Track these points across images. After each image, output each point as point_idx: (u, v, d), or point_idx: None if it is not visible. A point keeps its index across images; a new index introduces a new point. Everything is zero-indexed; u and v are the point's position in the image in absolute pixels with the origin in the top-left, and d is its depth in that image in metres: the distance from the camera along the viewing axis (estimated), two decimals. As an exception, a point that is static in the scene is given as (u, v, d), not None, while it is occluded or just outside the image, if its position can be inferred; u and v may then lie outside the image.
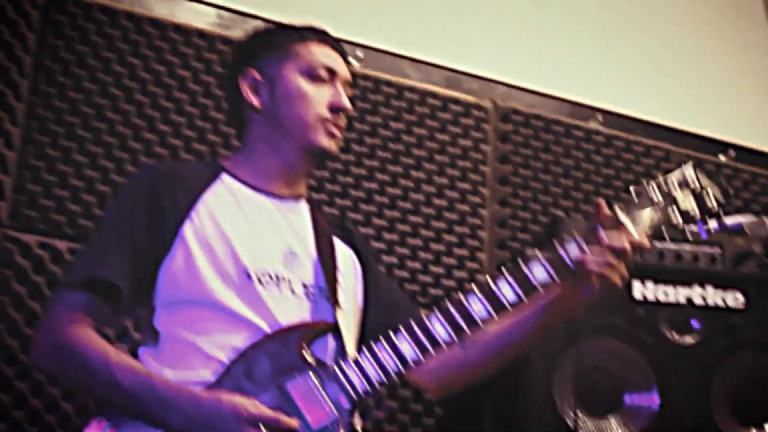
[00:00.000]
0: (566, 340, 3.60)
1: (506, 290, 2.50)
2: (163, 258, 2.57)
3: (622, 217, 2.49)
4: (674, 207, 2.54)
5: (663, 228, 2.53)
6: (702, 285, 3.76)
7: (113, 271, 2.50)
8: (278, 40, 2.82)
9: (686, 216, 2.54)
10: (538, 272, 2.50)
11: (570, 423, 3.55)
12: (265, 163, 2.76)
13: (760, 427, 3.68)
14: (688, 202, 2.56)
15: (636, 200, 2.55)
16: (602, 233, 2.45)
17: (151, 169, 2.73)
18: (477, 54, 4.73)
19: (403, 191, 4.43)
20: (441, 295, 4.30)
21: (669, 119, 4.99)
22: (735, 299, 3.76)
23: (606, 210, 2.48)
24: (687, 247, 3.85)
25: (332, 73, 2.76)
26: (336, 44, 2.82)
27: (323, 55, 2.78)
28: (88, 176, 3.86)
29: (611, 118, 4.93)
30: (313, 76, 2.74)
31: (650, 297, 3.73)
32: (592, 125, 4.84)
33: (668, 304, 3.73)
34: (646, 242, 2.46)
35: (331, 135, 2.73)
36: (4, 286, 3.64)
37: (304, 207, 2.79)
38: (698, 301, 3.74)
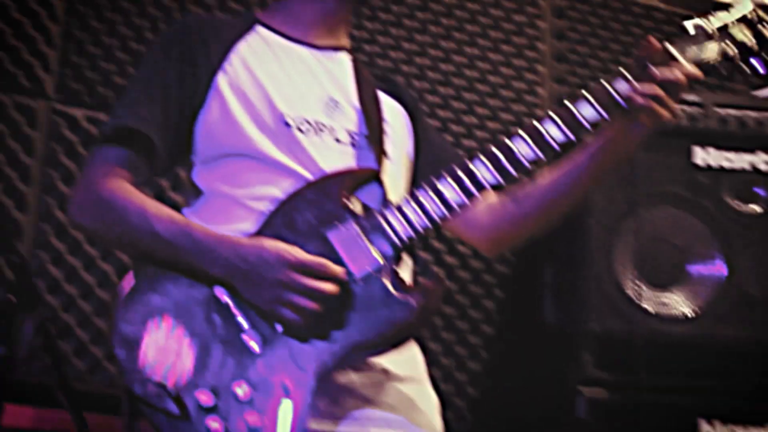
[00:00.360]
0: (626, 209, 3.61)
1: (553, 130, 2.45)
2: (198, 111, 2.58)
3: (673, 50, 2.45)
4: (730, 40, 2.49)
5: (718, 61, 2.49)
6: (767, 151, 3.72)
7: (145, 122, 2.53)
8: None
9: (743, 48, 2.49)
10: (586, 110, 2.45)
11: (632, 295, 3.55)
12: (302, 11, 2.74)
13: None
14: (744, 35, 2.50)
15: (690, 33, 2.52)
16: (652, 67, 2.42)
17: (182, 21, 2.74)
18: None
19: (457, 44, 4.45)
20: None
21: None
22: (803, 165, 3.55)
23: (656, 44, 2.45)
24: (750, 112, 3.79)
25: None
26: None
27: None
28: (134, 49, 3.94)
29: None
30: None
31: (712, 163, 3.71)
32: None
33: (731, 171, 3.71)
34: (698, 72, 2.42)
35: None
36: (52, 160, 3.78)
37: (345, 57, 2.76)
38: (763, 167, 3.72)
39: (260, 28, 2.68)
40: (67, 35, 3.87)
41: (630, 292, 3.55)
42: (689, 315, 3.60)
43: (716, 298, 3.59)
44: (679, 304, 3.62)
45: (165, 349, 2.35)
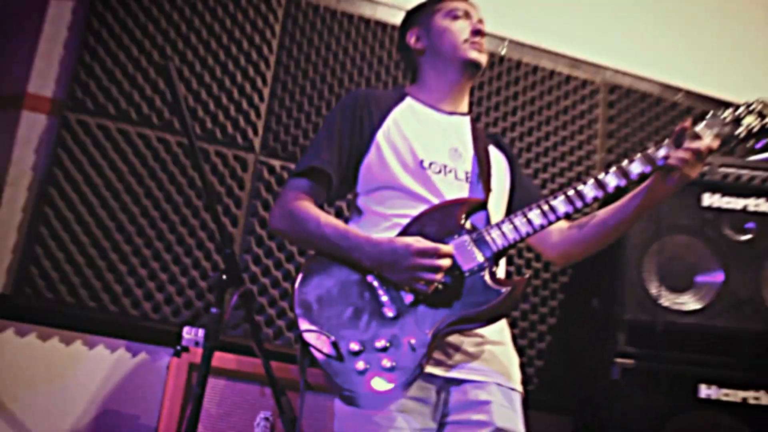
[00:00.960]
0: (653, 235, 3.74)
1: (610, 179, 2.60)
2: (363, 156, 2.74)
3: (698, 129, 2.60)
4: (739, 126, 2.62)
5: (729, 140, 2.63)
6: (757, 197, 3.81)
7: (325, 162, 2.69)
8: (427, 5, 2.98)
9: (750, 132, 2.64)
10: (635, 167, 2.60)
11: (654, 295, 3.69)
12: (435, 86, 2.89)
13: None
14: (751, 121, 2.63)
15: (710, 119, 2.64)
16: (685, 140, 2.57)
17: (354, 93, 2.87)
18: (593, 45, 4.79)
19: (536, 140, 4.57)
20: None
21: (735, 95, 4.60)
22: (781, 208, 3.84)
23: (689, 125, 2.60)
24: (744, 171, 3.90)
25: (467, 13, 2.89)
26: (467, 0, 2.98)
27: (458, 4, 2.91)
28: (315, 121, 4.16)
29: (690, 95, 4.84)
30: (454, 17, 2.87)
31: (715, 205, 3.80)
32: (676, 99, 4.80)
33: (729, 210, 3.80)
34: (714, 144, 2.57)
35: (477, 50, 2.84)
36: (257, 194, 4.00)
37: (465, 120, 2.90)
38: (752, 208, 3.80)
39: (408, 99, 2.86)
40: (270, 111, 4.09)
41: (653, 293, 3.69)
42: (695, 309, 3.71)
43: (715, 299, 3.71)
44: (688, 303, 3.72)
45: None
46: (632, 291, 3.70)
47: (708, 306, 3.71)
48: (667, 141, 2.62)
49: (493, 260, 2.55)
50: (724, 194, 3.82)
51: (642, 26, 5.01)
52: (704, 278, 3.76)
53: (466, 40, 2.85)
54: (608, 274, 3.92)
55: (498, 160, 2.93)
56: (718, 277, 3.74)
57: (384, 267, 2.49)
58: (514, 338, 2.80)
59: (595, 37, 4.83)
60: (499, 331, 2.71)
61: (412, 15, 3.02)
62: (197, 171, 2.81)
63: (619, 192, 2.63)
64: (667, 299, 3.71)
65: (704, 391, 3.61)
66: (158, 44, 4.01)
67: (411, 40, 2.96)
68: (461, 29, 2.86)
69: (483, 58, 2.87)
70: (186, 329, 3.39)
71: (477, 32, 2.87)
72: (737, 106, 2.67)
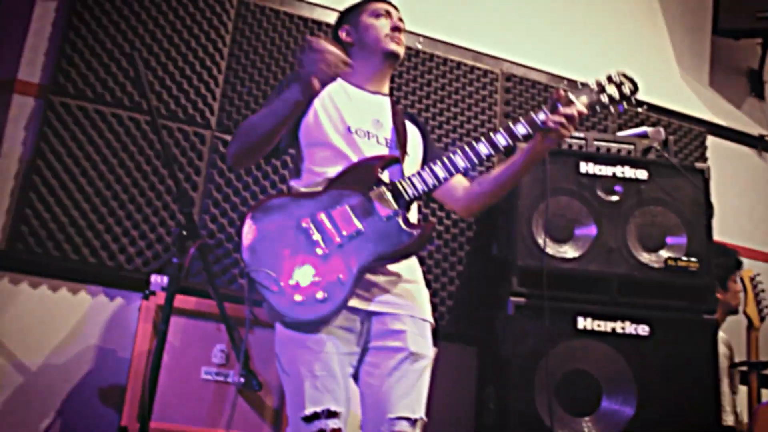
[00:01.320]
0: (539, 196, 3.73)
1: (499, 138, 2.63)
2: (303, 117, 2.72)
3: (572, 96, 2.62)
4: (604, 93, 2.67)
5: (596, 105, 2.66)
6: (623, 165, 3.83)
7: None
8: (356, 5, 2.97)
9: (611, 98, 2.68)
10: (519, 128, 2.62)
11: (541, 245, 3.67)
12: (362, 71, 2.86)
13: (656, 252, 3.76)
14: (613, 91, 2.68)
15: (580, 88, 2.68)
16: (559, 106, 2.59)
17: (297, 71, 2.77)
18: (494, 39, 4.80)
19: (446, 119, 4.54)
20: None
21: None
22: (642, 174, 3.83)
23: (562, 93, 2.61)
24: (614, 144, 3.95)
25: (388, 12, 2.89)
26: (388, 1, 2.95)
27: (381, 5, 2.90)
28: (261, 104, 4.04)
29: (572, 83, 4.75)
30: (377, 15, 2.87)
31: (590, 171, 3.82)
32: (560, 87, 4.76)
33: (601, 176, 3.82)
34: (583, 109, 2.60)
35: (396, 43, 2.84)
36: (213, 164, 3.91)
37: (386, 99, 2.90)
38: (620, 174, 3.82)
39: (339, 80, 2.82)
40: (224, 95, 4.02)
41: (540, 244, 3.68)
42: (574, 257, 3.72)
43: (590, 248, 3.72)
44: (568, 251, 3.72)
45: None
46: (524, 242, 3.69)
47: (584, 254, 3.71)
48: (545, 106, 2.63)
49: (406, 207, 2.56)
50: (597, 163, 3.82)
51: (536, 25, 5.02)
52: (581, 231, 3.76)
53: (387, 35, 2.84)
54: (505, 228, 3.92)
55: (413, 132, 2.92)
56: (592, 230, 3.74)
57: (301, 71, 2.47)
58: (429, 283, 2.81)
59: (496, 34, 4.83)
60: (413, 271, 2.71)
61: (343, 15, 3.01)
62: (162, 145, 2.76)
63: (509, 151, 2.63)
64: (552, 248, 3.70)
65: (581, 322, 3.62)
66: (128, 38, 3.93)
67: (342, 35, 2.93)
68: (383, 26, 2.85)
69: (401, 50, 2.86)
70: (153, 277, 3.34)
71: (396, 28, 2.86)
72: (599, 77, 2.70)
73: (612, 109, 2.71)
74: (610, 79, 2.70)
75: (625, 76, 2.72)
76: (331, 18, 4.34)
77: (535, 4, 5.08)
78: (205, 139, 3.95)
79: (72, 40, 3.83)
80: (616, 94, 2.68)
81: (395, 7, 2.95)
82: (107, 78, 3.85)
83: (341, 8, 3.02)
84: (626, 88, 2.70)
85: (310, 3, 4.35)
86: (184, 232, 2.66)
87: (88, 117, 3.78)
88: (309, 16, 4.33)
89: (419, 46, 4.56)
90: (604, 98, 2.68)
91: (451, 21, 4.74)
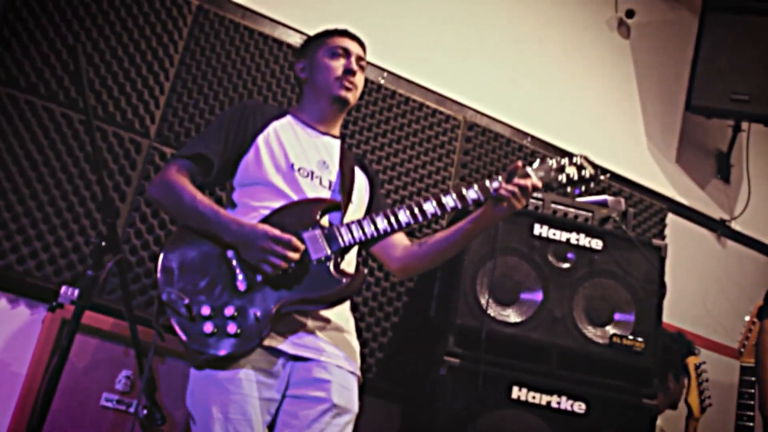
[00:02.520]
0: (488, 254, 3.74)
1: (448, 200, 2.68)
2: (243, 155, 2.77)
3: (529, 170, 2.72)
4: (562, 173, 2.76)
5: (552, 183, 2.76)
6: (578, 232, 3.86)
7: (211, 151, 2.72)
8: (316, 39, 3.03)
9: (569, 180, 2.77)
10: (471, 193, 2.70)
11: (483, 306, 3.67)
12: (311, 111, 2.94)
13: (603, 327, 3.79)
14: (572, 172, 2.77)
15: (539, 163, 2.77)
16: (515, 177, 2.67)
17: (245, 102, 2.99)
18: (459, 85, 4.86)
19: (400, 161, 4.54)
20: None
21: (574, 147, 4.97)
22: (597, 243, 3.86)
23: (519, 164, 2.70)
24: (571, 209, 3.99)
25: (346, 51, 2.93)
26: (351, 35, 3.00)
27: (340, 41, 2.96)
28: (209, 119, 4.05)
29: (536, 140, 4.99)
30: (333, 54, 2.92)
31: (544, 234, 3.84)
32: (524, 142, 4.92)
33: (554, 241, 3.85)
34: (539, 183, 2.68)
35: (347, 88, 2.89)
36: (147, 176, 3.86)
37: (336, 141, 2.95)
38: (574, 241, 3.85)
39: (289, 117, 2.91)
40: (168, 103, 3.98)
41: (483, 304, 3.67)
42: (516, 321, 3.71)
43: (534, 314, 3.73)
44: (511, 315, 3.72)
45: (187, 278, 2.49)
46: (465, 300, 3.68)
47: (527, 320, 3.71)
48: (501, 175, 2.70)
49: (339, 254, 2.60)
50: (551, 226, 3.85)
51: (505, 76, 5.10)
52: (527, 296, 3.77)
53: (338, 78, 2.88)
54: (447, 284, 3.91)
55: (361, 180, 2.99)
56: (539, 296, 3.76)
57: (241, 244, 2.50)
58: (361, 331, 2.81)
59: (464, 79, 4.89)
60: (346, 320, 2.76)
61: (304, 46, 3.07)
62: (93, 147, 2.72)
63: (457, 213, 2.65)
64: (494, 310, 3.70)
65: (516, 392, 3.60)
66: (73, 29, 3.85)
67: (298, 69, 3.02)
68: (336, 68, 2.90)
69: (350, 96, 2.92)
70: (63, 288, 3.27)
71: (349, 71, 2.90)
72: (562, 157, 2.79)
73: (569, 190, 2.80)
74: (570, 159, 2.79)
75: (587, 160, 2.81)
76: (293, 39, 4.36)
77: (507, 54, 5.17)
78: (141, 148, 3.90)
79: (11, 22, 3.74)
80: (575, 176, 2.77)
81: (359, 42, 3.01)
82: (44, 68, 3.76)
83: (305, 30, 3.04)
84: (586, 173, 2.78)
85: (273, 20, 4.38)
86: (104, 244, 2.62)
87: (17, 107, 3.69)
88: (270, 34, 4.33)
89: (382, 81, 4.60)
90: (562, 178, 2.76)
91: (420, 59, 4.78)
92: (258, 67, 4.26)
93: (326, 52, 2.93)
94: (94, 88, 3.85)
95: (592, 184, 2.80)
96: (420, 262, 2.90)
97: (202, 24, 4.17)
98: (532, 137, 4.94)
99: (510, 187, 2.62)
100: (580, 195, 2.88)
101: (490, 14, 5.12)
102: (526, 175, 2.68)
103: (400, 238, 2.94)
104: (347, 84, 2.89)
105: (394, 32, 4.73)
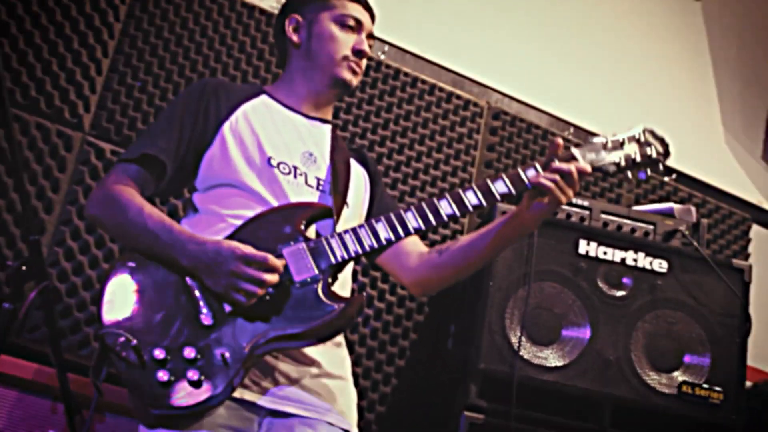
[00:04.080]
0: (520, 279, 3.77)
1: (470, 197, 2.64)
2: (206, 150, 2.76)
3: (575, 151, 2.67)
4: (620, 153, 2.70)
5: (607, 167, 2.70)
6: (636, 250, 3.89)
7: (161, 150, 2.69)
8: None
9: (629, 161, 2.71)
10: (499, 186, 2.64)
11: (514, 346, 3.69)
12: (298, 88, 2.93)
13: (669, 373, 3.80)
14: (634, 150, 2.71)
15: (589, 142, 2.72)
16: (555, 161, 2.62)
17: (203, 81, 2.90)
18: (481, 63, 4.90)
19: (407, 158, 4.59)
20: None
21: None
22: (661, 265, 3.88)
23: (561, 143, 2.64)
24: (627, 221, 4.01)
25: (359, 23, 2.92)
26: (365, 3, 2.99)
27: (354, 9, 2.93)
28: (158, 105, 4.09)
29: (580, 132, 5.00)
30: (343, 24, 2.90)
31: (592, 253, 3.86)
32: (565, 134, 4.93)
33: (606, 262, 3.87)
34: (587, 167, 2.62)
35: (353, 71, 2.89)
36: (79, 179, 3.90)
37: (327, 128, 2.94)
38: (631, 262, 3.87)
39: (264, 96, 2.90)
40: (107, 86, 4.02)
41: (514, 343, 3.69)
42: (556, 366, 3.73)
43: (580, 356, 3.75)
44: (550, 357, 3.74)
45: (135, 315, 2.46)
46: (491, 338, 3.70)
47: (571, 363, 3.73)
48: (537, 161, 2.65)
49: (330, 273, 2.57)
50: (602, 243, 3.88)
51: (536, 51, 5.14)
52: (570, 333, 3.80)
53: (345, 57, 2.88)
54: (468, 317, 3.92)
55: (358, 175, 2.98)
56: (586, 333, 3.79)
57: (202, 269, 2.47)
58: (358, 378, 2.80)
59: (486, 55, 4.94)
60: (340, 362, 2.73)
61: None
62: (9, 143, 2.73)
63: (484, 214, 2.64)
64: (528, 351, 3.72)
65: (555, 459, 3.65)
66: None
67: (289, 27, 2.98)
68: (345, 43, 2.89)
69: (356, 80, 2.92)
70: (-28, 325, 3.28)
71: (359, 52, 2.90)
72: (620, 134, 2.74)
73: (629, 174, 2.74)
74: (632, 137, 2.75)
75: (653, 134, 2.77)
76: (269, 2, 4.39)
77: (542, 21, 5.21)
78: (72, 143, 3.92)
79: None
80: (637, 156, 2.72)
81: (371, 14, 3.01)
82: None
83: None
84: (652, 150, 2.74)
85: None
86: (24, 268, 2.59)
87: None
88: (237, -2, 4.41)
89: (382, 57, 4.62)
90: (620, 159, 2.71)
91: (430, 29, 4.81)
92: (222, 39, 4.28)
93: (334, 19, 2.92)
94: (11, 67, 3.85)
95: (660, 166, 2.76)
96: (440, 274, 2.88)
97: (150, -11, 4.24)
98: (576, 127, 4.96)
99: (550, 175, 2.59)
100: (646, 181, 2.84)
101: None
102: (571, 158, 2.65)
103: (415, 244, 2.92)
104: (355, 66, 2.90)
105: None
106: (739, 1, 5.80)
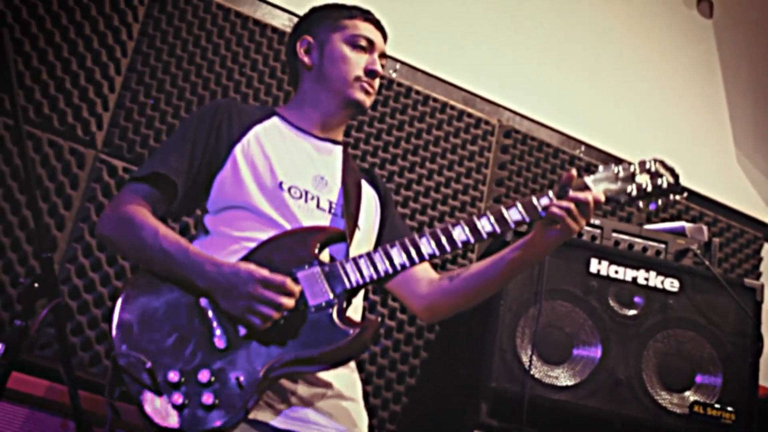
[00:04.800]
0: (531, 298, 3.76)
1: (484, 224, 2.64)
2: (217, 171, 2.76)
3: (588, 180, 2.69)
4: (631, 183, 2.71)
5: (619, 196, 2.71)
6: (648, 269, 3.88)
7: (172, 170, 2.69)
8: (331, 15, 3.01)
9: (641, 191, 2.72)
10: (513, 214, 2.65)
11: (525, 365, 3.68)
12: (310, 110, 2.95)
13: (680, 393, 3.78)
14: (645, 181, 2.72)
15: (602, 172, 2.73)
16: (569, 190, 2.63)
17: (217, 101, 2.92)
18: (493, 81, 4.90)
19: (418, 176, 4.60)
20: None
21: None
22: (672, 284, 3.87)
23: (574, 174, 2.67)
24: (638, 239, 4.01)
25: (371, 43, 2.94)
26: (377, 22, 3.01)
27: (365, 29, 2.96)
28: (171, 122, 4.11)
29: (592, 150, 5.04)
30: (354, 45, 2.92)
31: (603, 272, 3.85)
32: (576, 152, 4.97)
33: (617, 281, 3.86)
34: (601, 197, 2.63)
35: (366, 92, 2.90)
36: (91, 196, 3.92)
37: (338, 149, 2.96)
38: (642, 281, 3.86)
39: (276, 118, 2.91)
40: (120, 104, 4.04)
41: (525, 362, 3.67)
42: (567, 385, 3.71)
43: (591, 375, 3.73)
44: (561, 377, 3.73)
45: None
46: (502, 357, 3.69)
47: (582, 383, 3.72)
48: (551, 189, 2.67)
49: (345, 298, 2.56)
50: (613, 262, 3.87)
51: (548, 70, 5.15)
52: (582, 352, 3.78)
53: (357, 78, 2.90)
54: (478, 336, 3.91)
55: (369, 198, 2.99)
56: (597, 352, 3.77)
57: (219, 291, 2.47)
58: (368, 397, 2.79)
59: (498, 74, 4.94)
60: (351, 383, 2.72)
61: (312, 17, 3.05)
62: (23, 160, 2.73)
63: (496, 239, 2.66)
64: (539, 370, 3.71)
65: (568, 481, 3.64)
66: (-3, 9, 3.94)
67: (300, 48, 3.00)
68: (357, 63, 2.91)
69: (369, 101, 2.94)
70: (-16, 343, 3.29)
71: (371, 72, 2.91)
72: (630, 163, 2.75)
73: (640, 204, 2.76)
74: (643, 165, 2.76)
75: (663, 165, 2.78)
76: (281, 21, 4.41)
77: (553, 40, 5.21)
78: (84, 161, 3.94)
79: None
80: (648, 186, 2.73)
81: (383, 33, 3.03)
82: (-43, 59, 3.83)
83: (295, 9, 3.06)
84: (663, 181, 2.75)
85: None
86: (37, 285, 2.59)
87: None
88: (250, 14, 4.40)
89: (393, 75, 4.64)
90: (632, 189, 2.73)
91: (441, 47, 4.82)
92: (235, 56, 4.31)
93: (346, 39, 2.94)
94: (25, 84, 3.88)
95: (671, 196, 2.76)
96: (450, 301, 2.90)
97: (164, 1, 4.23)
98: (587, 146, 4.98)
99: (564, 204, 2.60)
100: (656, 211, 2.84)
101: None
102: (585, 187, 2.67)
103: (425, 270, 2.93)
104: (368, 87, 2.92)
105: (407, 12, 4.76)
106: (751, 19, 5.79)
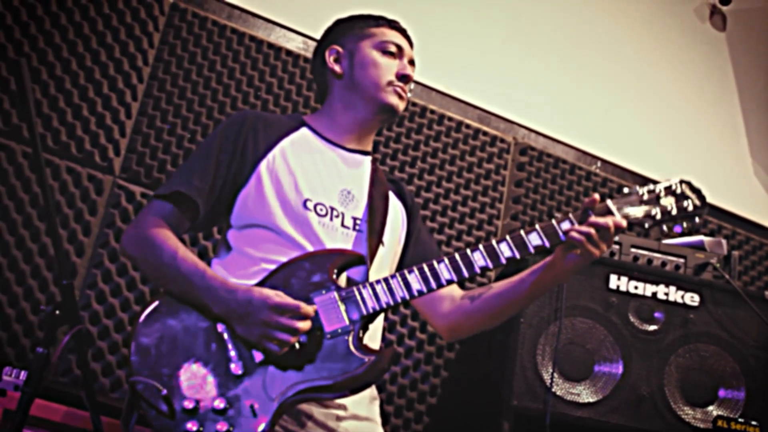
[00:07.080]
0: (551, 315, 3.77)
1: (503, 249, 2.62)
2: (241, 188, 2.75)
3: (610, 204, 2.65)
4: (656, 206, 2.67)
5: (643, 221, 2.67)
6: (667, 284, 3.88)
7: (194, 190, 2.69)
8: (358, 24, 3.01)
9: (666, 214, 2.68)
10: (533, 238, 2.62)
11: (547, 382, 3.68)
12: (341, 119, 2.92)
13: (704, 407, 3.78)
14: (670, 203, 2.68)
15: (626, 196, 2.70)
16: (591, 214, 2.61)
17: (243, 114, 2.89)
18: (507, 99, 4.92)
19: (435, 196, 4.61)
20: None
21: (657, 173, 4.97)
22: (692, 298, 3.86)
23: (597, 198, 2.64)
24: (657, 254, 4.00)
25: (400, 49, 2.94)
26: (404, 30, 3.02)
27: (393, 35, 2.96)
28: (187, 147, 4.14)
29: (608, 165, 5.03)
30: (384, 51, 2.91)
31: (623, 288, 3.85)
32: (592, 168, 4.97)
33: (637, 296, 3.85)
34: (623, 222, 2.60)
35: (399, 96, 2.89)
36: (110, 222, 3.94)
37: (366, 160, 2.94)
38: (662, 296, 3.86)
39: (305, 129, 2.89)
40: (137, 130, 4.06)
41: (546, 380, 3.67)
42: (589, 402, 3.70)
43: (613, 391, 3.72)
44: (583, 394, 3.72)
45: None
46: (523, 375, 3.69)
47: (604, 399, 3.71)
48: (572, 213, 2.65)
49: (362, 324, 2.55)
50: (632, 278, 3.87)
51: (562, 86, 5.16)
52: (603, 368, 3.78)
53: (390, 83, 2.89)
54: (499, 354, 3.91)
55: (396, 210, 2.97)
56: (618, 368, 3.77)
57: (234, 317, 2.47)
58: (388, 418, 2.77)
59: (512, 92, 4.95)
60: (367, 404, 2.72)
61: (339, 28, 3.05)
62: (41, 187, 2.74)
63: (516, 264, 2.65)
64: (561, 387, 3.70)
65: (592, 497, 3.63)
66: (15, 39, 3.92)
67: (330, 57, 2.99)
68: (388, 68, 2.90)
69: (402, 105, 2.93)
70: (6, 369, 3.19)
71: (404, 77, 2.91)
72: (656, 184, 2.71)
73: (665, 228, 2.72)
74: (669, 188, 2.72)
75: (690, 186, 2.73)
76: (295, 44, 4.43)
77: (568, 58, 5.22)
78: (102, 187, 3.96)
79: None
80: (674, 209, 2.69)
81: (409, 41, 3.03)
82: (-24, 89, 3.87)
83: (310, 32, 3.06)
84: (689, 204, 2.70)
85: (268, 21, 4.47)
86: (58, 312, 2.58)
87: (-58, 138, 3.77)
88: (265, 38, 4.43)
89: (409, 95, 4.58)
90: (656, 213, 2.69)
91: (456, 67, 4.84)
92: (250, 80, 4.34)
93: (375, 46, 2.94)
94: (42, 112, 3.91)
95: (697, 219, 2.71)
96: (471, 322, 2.89)
97: (178, 27, 4.27)
98: (603, 161, 4.98)
99: (585, 229, 2.58)
100: (682, 234, 2.80)
101: (543, 8, 5.19)
102: (607, 212, 2.64)
103: (450, 289, 2.91)
104: (400, 91, 2.91)
105: (422, 32, 4.67)
106: (764, 31, 5.78)
